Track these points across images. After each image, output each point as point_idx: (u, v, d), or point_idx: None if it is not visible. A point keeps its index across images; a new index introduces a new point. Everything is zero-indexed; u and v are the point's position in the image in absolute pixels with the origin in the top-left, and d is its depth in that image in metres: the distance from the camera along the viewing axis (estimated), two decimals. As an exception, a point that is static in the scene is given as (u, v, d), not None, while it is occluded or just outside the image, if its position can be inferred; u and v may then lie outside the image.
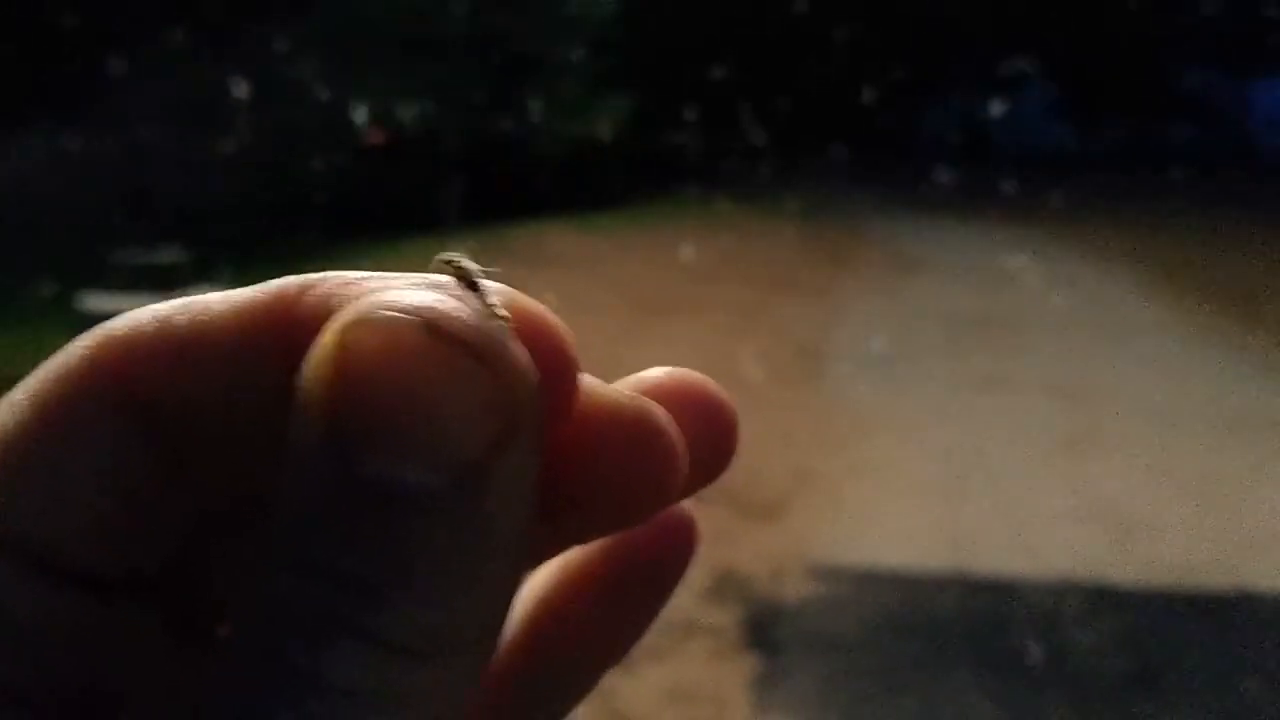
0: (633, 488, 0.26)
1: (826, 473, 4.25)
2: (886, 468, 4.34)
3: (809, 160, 13.02)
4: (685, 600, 3.06)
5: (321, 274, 0.26)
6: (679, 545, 0.31)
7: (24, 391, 0.25)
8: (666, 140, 12.31)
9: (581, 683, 0.32)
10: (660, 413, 0.27)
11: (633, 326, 6.22)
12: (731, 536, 3.48)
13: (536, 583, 0.31)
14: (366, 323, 0.22)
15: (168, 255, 5.58)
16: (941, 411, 5.02)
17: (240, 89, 9.53)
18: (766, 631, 3.07)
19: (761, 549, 3.50)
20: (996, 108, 16.39)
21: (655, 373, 0.29)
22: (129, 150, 9.05)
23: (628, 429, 0.26)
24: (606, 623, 0.31)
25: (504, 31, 10.79)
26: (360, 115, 9.87)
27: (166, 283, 4.71)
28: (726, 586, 3.26)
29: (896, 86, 15.49)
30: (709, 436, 0.29)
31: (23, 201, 8.18)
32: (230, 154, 9.39)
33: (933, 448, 4.55)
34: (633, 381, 0.29)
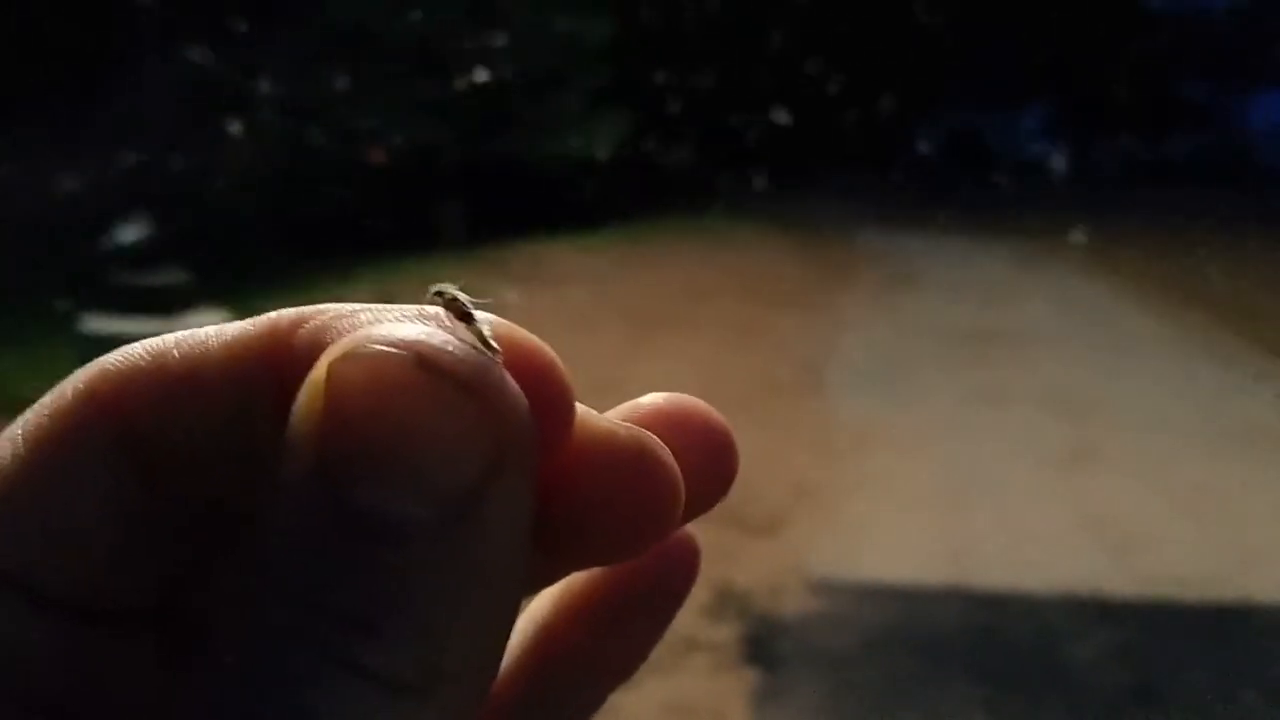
0: (632, 520, 0.26)
1: (825, 488, 4.25)
2: (885, 482, 4.34)
3: (806, 176, 13.05)
4: (685, 615, 3.03)
5: (316, 307, 0.26)
6: (680, 568, 0.31)
7: (21, 426, 0.25)
8: (664, 158, 12.33)
9: (584, 707, 0.31)
10: (658, 445, 0.26)
11: (631, 343, 6.23)
12: (731, 552, 3.49)
13: (537, 608, 0.31)
14: (356, 356, 0.23)
15: (169, 276, 5.59)
16: (940, 426, 5.02)
17: (240, 109, 9.56)
18: (766, 646, 3.07)
19: (761, 564, 3.51)
20: (994, 121, 16.41)
21: (652, 399, 0.29)
22: (129, 171, 9.07)
23: (626, 460, 0.26)
24: (608, 647, 0.31)
25: (502, 50, 10.83)
26: (360, 135, 9.89)
27: (168, 304, 4.72)
28: (726, 602, 3.26)
29: (894, 101, 15.53)
30: (708, 463, 0.28)
31: (23, 223, 8.19)
32: (231, 174, 9.41)
33: (931, 462, 4.55)
34: (629, 409, 0.29)
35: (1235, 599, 3.33)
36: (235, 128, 9.50)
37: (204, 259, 7.10)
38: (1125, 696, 2.85)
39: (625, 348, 6.05)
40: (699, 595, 3.17)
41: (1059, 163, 15.99)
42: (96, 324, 5.13)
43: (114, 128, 9.15)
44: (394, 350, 0.23)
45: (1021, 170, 14.68)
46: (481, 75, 10.63)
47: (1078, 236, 10.49)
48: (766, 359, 6.09)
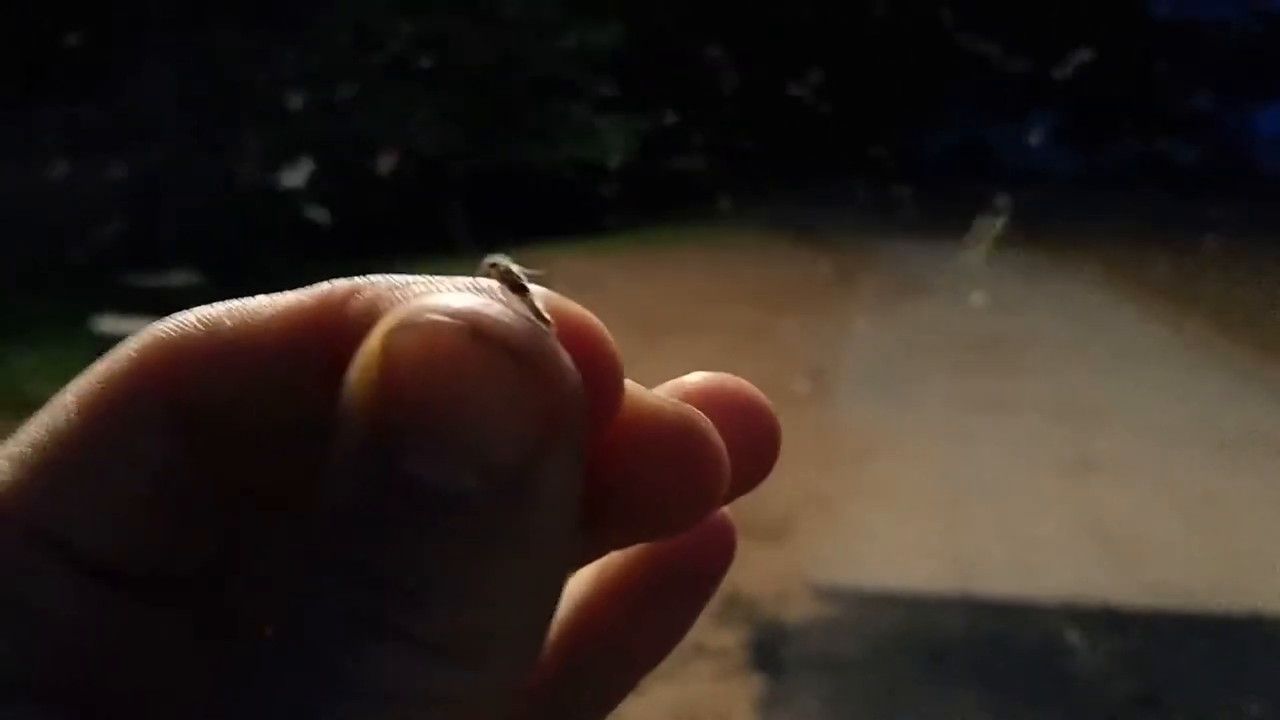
0: (677, 496, 0.26)
1: (831, 494, 4.25)
2: (891, 489, 4.34)
3: (813, 183, 13.05)
4: (690, 621, 3.06)
5: (368, 277, 0.26)
6: (717, 549, 0.31)
7: (73, 392, 0.25)
8: (672, 164, 12.34)
9: (619, 686, 0.31)
10: (705, 421, 0.26)
11: (638, 349, 6.23)
12: (737, 558, 3.48)
13: (574, 586, 0.31)
14: (411, 326, 0.22)
15: (181, 278, 5.60)
16: (945, 433, 5.02)
17: (250, 112, 9.58)
18: (772, 652, 3.07)
19: (766, 570, 3.51)
20: (1000, 131, 16.41)
21: (696, 378, 0.29)
22: (140, 173, 9.09)
23: (673, 437, 0.26)
24: (644, 627, 0.31)
25: (512, 57, 10.85)
26: (371, 141, 9.91)
27: (179, 306, 4.73)
28: (732, 608, 3.26)
29: (901, 109, 15.52)
30: (751, 443, 0.28)
31: (35, 225, 8.21)
32: (242, 177, 9.43)
33: (937, 469, 4.55)
34: (673, 386, 0.29)
35: (1241, 607, 3.32)
36: (246, 130, 9.52)
37: (215, 261, 7.12)
38: (1130, 705, 2.85)
39: (632, 353, 5.98)
40: (704, 600, 3.18)
41: (1064, 171, 15.97)
42: (108, 325, 5.15)
43: (125, 129, 9.17)
44: (449, 320, 0.23)
45: (1027, 179, 14.66)
46: (491, 82, 10.65)
47: (1083, 245, 10.48)
48: (773, 365, 6.09)
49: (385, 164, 9.87)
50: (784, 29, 13.66)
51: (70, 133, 9.00)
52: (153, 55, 9.08)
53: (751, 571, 3.46)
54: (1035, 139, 16.48)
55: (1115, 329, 7.35)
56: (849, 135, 14.19)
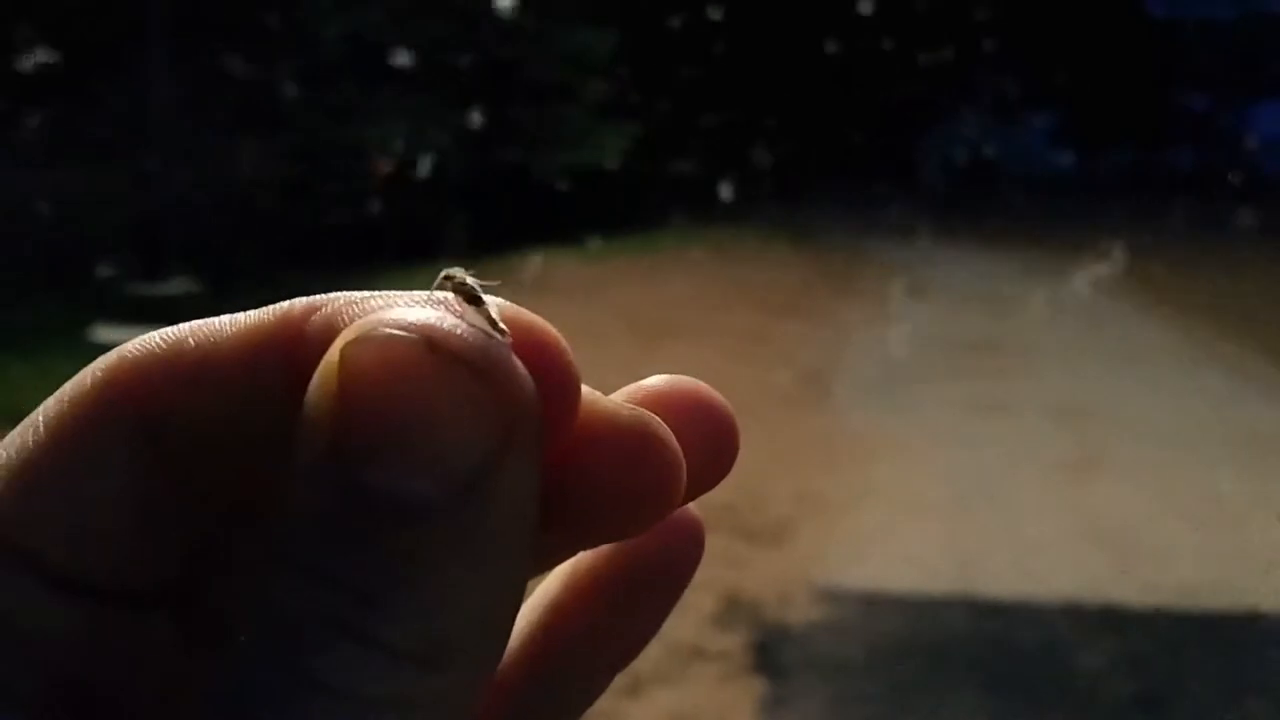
0: (634, 498, 0.27)
1: (831, 496, 4.25)
2: (891, 491, 4.34)
3: (812, 186, 13.05)
4: (691, 624, 3.06)
5: (327, 295, 0.27)
6: (686, 546, 0.31)
7: (42, 412, 0.26)
8: (670, 168, 12.35)
9: (592, 686, 0.32)
10: (659, 424, 0.27)
11: (637, 353, 6.23)
12: (737, 561, 3.49)
13: (544, 587, 0.32)
14: (367, 340, 0.23)
15: (178, 286, 5.61)
16: (946, 435, 5.02)
17: (248, 119, 9.59)
18: (773, 655, 3.07)
19: (767, 573, 3.50)
20: (999, 133, 16.42)
21: (654, 381, 0.30)
22: (137, 181, 9.10)
23: (629, 440, 0.27)
24: (616, 625, 0.31)
25: (509, 60, 10.86)
26: (367, 145, 9.92)
27: (177, 314, 4.73)
28: (732, 611, 3.25)
29: (899, 112, 15.54)
30: (709, 443, 0.29)
31: (32, 233, 8.21)
32: (239, 185, 9.43)
33: (937, 471, 4.55)
34: (632, 390, 0.29)
35: (1242, 608, 3.32)
36: (244, 138, 9.53)
37: (212, 269, 7.12)
38: (1131, 706, 2.85)
39: (631, 357, 6.05)
40: (705, 604, 3.18)
41: (1063, 173, 15.98)
42: (106, 334, 5.15)
43: (123, 136, 9.18)
44: (404, 334, 0.23)
45: (1026, 181, 14.67)
46: (488, 85, 10.66)
47: (1082, 247, 10.48)
48: (773, 368, 6.09)
49: (380, 170, 9.88)
50: (782, 31, 13.67)
51: (68, 138, 9.01)
52: (150, 61, 9.08)
53: (753, 574, 3.46)
54: (1034, 140, 16.49)
55: (1116, 330, 7.35)
56: (848, 138, 14.20)
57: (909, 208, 12.71)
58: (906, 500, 4.25)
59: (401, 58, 10.27)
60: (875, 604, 3.34)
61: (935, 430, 5.10)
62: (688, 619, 3.05)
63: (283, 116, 9.78)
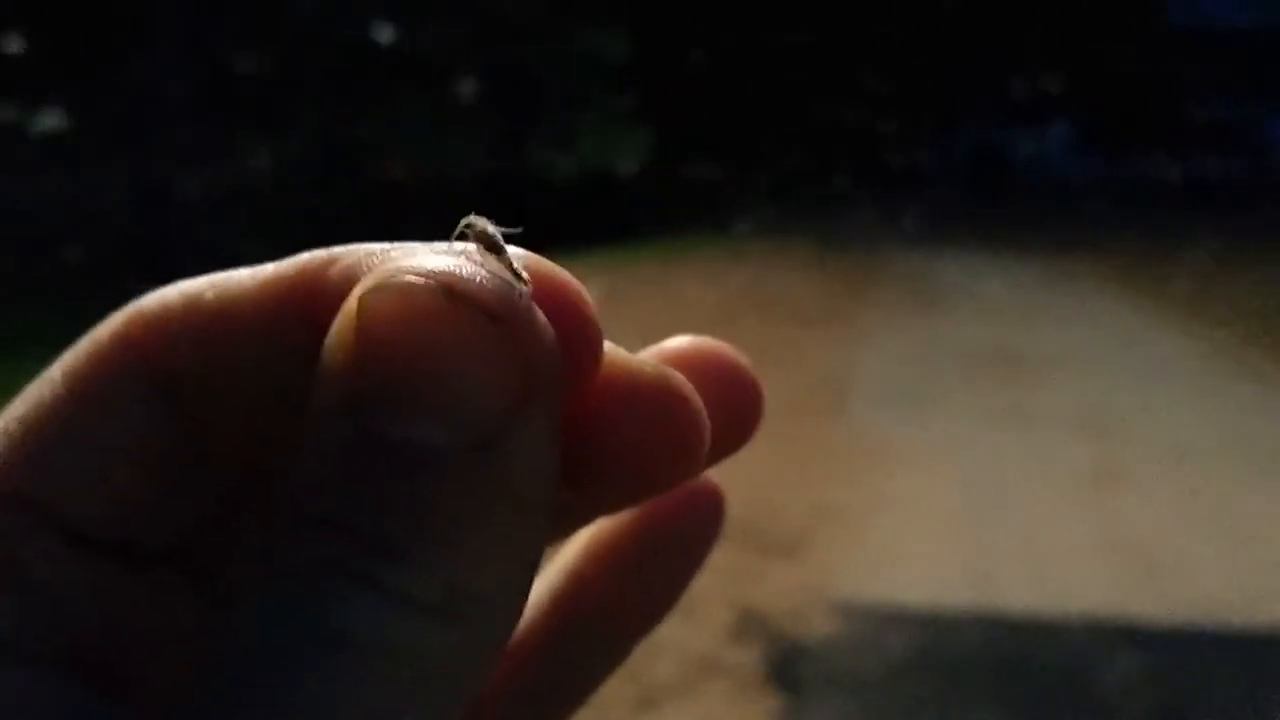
0: (657, 456, 0.26)
1: (848, 508, 4.22)
2: (909, 504, 4.31)
3: (829, 194, 13.04)
4: (706, 638, 3.04)
5: (347, 247, 0.27)
6: (706, 515, 0.31)
7: (59, 367, 0.26)
8: (686, 174, 12.36)
9: (611, 656, 0.32)
10: (682, 380, 0.26)
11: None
12: (753, 574, 3.46)
13: (566, 555, 0.31)
14: (386, 288, 0.23)
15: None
16: (964, 446, 4.99)
17: (257, 123, 9.64)
18: (788, 669, 3.05)
19: (783, 586, 3.48)
20: (1018, 141, 16.39)
21: (677, 341, 0.30)
22: (142, 178, 9.14)
23: (652, 396, 0.26)
24: (637, 594, 0.31)
25: (525, 66, 10.88)
26: (376, 151, 9.96)
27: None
28: (748, 624, 3.23)
29: (917, 120, 15.52)
30: (732, 405, 0.29)
31: (35, 230, 8.26)
32: (246, 188, 9.48)
33: (955, 483, 4.52)
34: (655, 350, 0.29)
35: (1265, 622, 3.29)
36: (254, 142, 9.58)
37: (218, 266, 7.14)
38: (1153, 722, 2.82)
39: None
40: (720, 618, 3.15)
41: (1082, 181, 15.93)
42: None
43: (127, 133, 9.23)
44: (424, 281, 0.23)
45: (1046, 189, 14.63)
46: (504, 90, 10.69)
47: (1102, 255, 10.44)
48: (789, 377, 6.06)
49: (389, 173, 9.93)
50: (801, 39, 13.67)
51: (71, 136, 9.07)
52: (156, 59, 9.13)
53: (768, 587, 3.43)
54: (1055, 148, 16.45)
55: (1136, 340, 7.30)
56: (867, 144, 14.19)
57: (928, 214, 12.68)
58: (925, 512, 4.22)
59: (418, 60, 10.32)
60: (892, 618, 3.31)
61: (954, 441, 5.07)
62: (703, 632, 3.03)
63: (294, 115, 9.83)
